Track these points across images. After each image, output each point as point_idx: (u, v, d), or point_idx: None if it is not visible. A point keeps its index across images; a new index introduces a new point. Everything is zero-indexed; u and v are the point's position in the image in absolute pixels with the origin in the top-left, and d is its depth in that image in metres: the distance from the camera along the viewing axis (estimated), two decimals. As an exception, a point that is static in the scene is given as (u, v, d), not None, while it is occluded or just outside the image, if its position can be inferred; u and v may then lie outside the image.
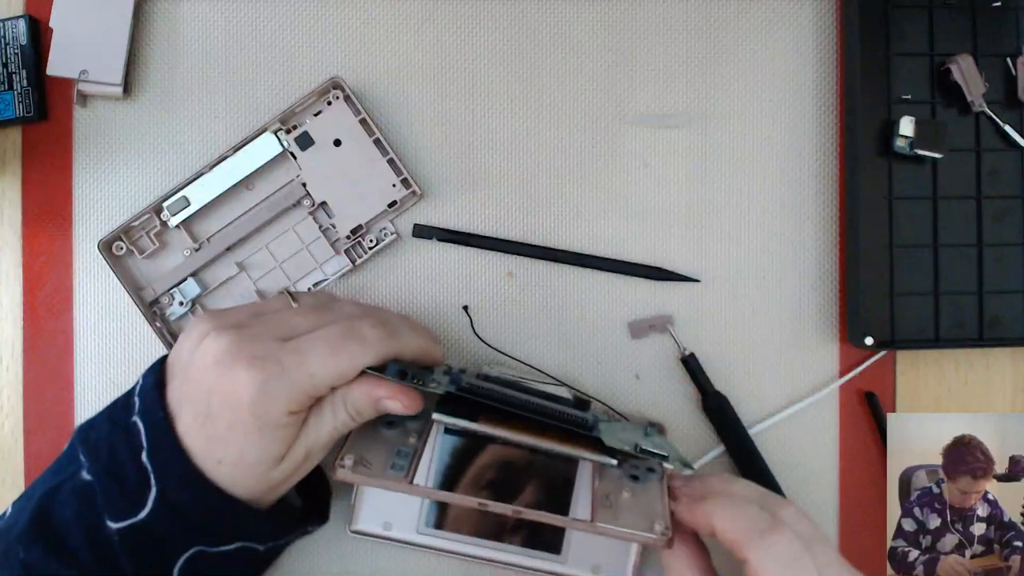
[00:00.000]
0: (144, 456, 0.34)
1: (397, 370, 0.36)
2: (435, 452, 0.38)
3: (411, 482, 0.36)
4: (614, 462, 0.38)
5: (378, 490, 0.40)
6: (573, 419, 0.37)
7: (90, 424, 0.37)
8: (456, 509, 0.40)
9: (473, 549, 0.40)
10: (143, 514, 0.34)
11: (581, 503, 0.38)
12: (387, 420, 0.39)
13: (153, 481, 0.34)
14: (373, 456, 0.37)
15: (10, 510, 0.37)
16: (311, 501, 0.42)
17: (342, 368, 0.35)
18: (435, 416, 0.36)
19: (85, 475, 0.35)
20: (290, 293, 0.38)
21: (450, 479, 0.37)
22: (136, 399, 0.36)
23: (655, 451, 0.37)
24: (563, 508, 0.37)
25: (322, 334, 0.35)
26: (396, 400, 0.36)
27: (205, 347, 0.35)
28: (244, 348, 0.34)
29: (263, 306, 0.38)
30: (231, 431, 0.34)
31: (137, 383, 0.37)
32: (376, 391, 0.36)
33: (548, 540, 0.40)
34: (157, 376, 0.36)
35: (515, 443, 0.37)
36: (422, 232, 0.45)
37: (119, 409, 0.36)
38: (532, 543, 0.40)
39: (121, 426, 0.35)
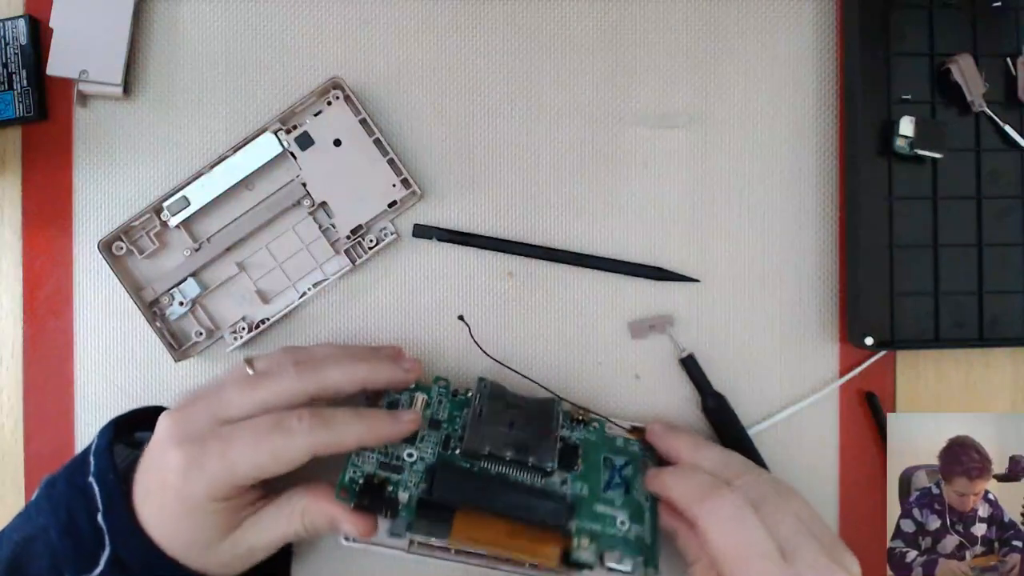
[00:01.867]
0: (99, 517, 0.35)
1: (361, 504, 0.37)
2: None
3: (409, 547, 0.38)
4: (577, 575, 0.38)
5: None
6: (544, 523, 0.37)
7: (53, 481, 0.38)
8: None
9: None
10: (96, 572, 0.35)
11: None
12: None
13: (107, 541, 0.35)
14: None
15: None
16: (272, 562, 0.41)
17: (262, 461, 0.34)
18: (408, 535, 0.37)
19: (53, 532, 0.36)
20: (247, 360, 0.38)
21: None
22: (91, 459, 0.37)
23: (617, 567, 0.38)
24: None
25: (252, 423, 0.35)
26: (353, 527, 0.37)
27: (157, 426, 0.36)
28: (179, 429, 0.35)
29: (223, 378, 0.38)
30: (162, 512, 0.35)
31: (92, 442, 0.38)
32: (334, 512, 0.37)
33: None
34: (109, 437, 0.38)
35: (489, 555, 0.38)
36: (422, 232, 0.45)
37: (77, 466, 0.37)
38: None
39: (79, 487, 0.36)
